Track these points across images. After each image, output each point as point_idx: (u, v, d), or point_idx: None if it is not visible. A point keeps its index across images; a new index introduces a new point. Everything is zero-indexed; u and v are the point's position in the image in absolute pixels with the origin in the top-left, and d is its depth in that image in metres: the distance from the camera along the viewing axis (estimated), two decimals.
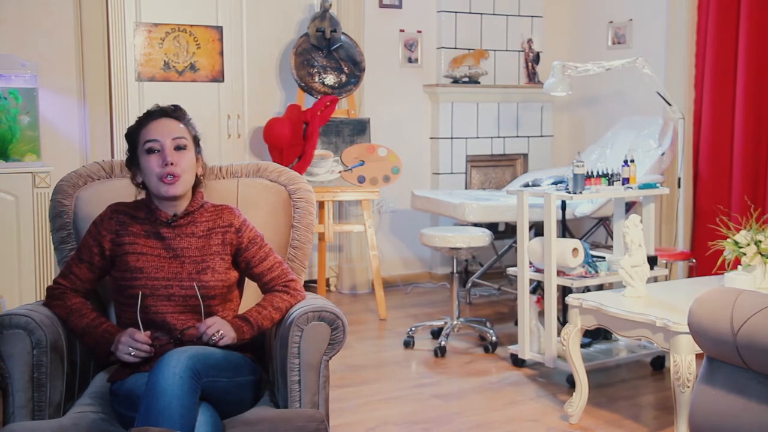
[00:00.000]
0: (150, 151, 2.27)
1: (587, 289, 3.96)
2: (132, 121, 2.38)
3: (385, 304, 4.99)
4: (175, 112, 2.34)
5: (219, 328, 2.20)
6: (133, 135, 2.32)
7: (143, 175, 2.30)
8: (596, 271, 3.79)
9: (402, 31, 5.78)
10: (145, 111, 2.36)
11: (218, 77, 5.12)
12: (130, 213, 2.33)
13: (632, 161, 3.80)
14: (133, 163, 2.34)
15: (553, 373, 3.83)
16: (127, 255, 2.27)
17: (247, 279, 2.44)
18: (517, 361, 3.98)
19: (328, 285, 5.60)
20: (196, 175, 2.35)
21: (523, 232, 3.86)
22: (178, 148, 2.28)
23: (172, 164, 2.25)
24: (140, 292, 2.23)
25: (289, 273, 2.39)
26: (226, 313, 2.33)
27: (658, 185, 3.94)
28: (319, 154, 5.00)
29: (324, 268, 5.22)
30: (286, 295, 2.34)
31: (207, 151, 2.45)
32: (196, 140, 2.36)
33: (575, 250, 3.69)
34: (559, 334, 3.58)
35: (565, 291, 3.90)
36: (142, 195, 2.38)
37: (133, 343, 2.17)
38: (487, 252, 5.46)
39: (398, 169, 5.05)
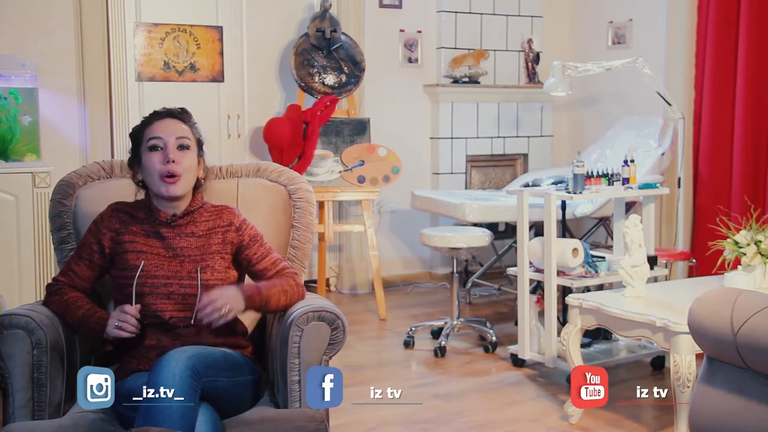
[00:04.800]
0: (153, 148, 2.28)
1: (587, 289, 3.96)
2: (132, 121, 2.40)
3: (385, 304, 4.99)
4: (180, 114, 2.35)
5: (226, 302, 2.16)
6: (137, 134, 2.33)
7: (144, 173, 2.31)
8: (596, 271, 3.78)
9: (402, 31, 5.78)
10: (151, 112, 2.37)
11: (218, 77, 5.12)
12: (131, 212, 2.34)
13: (632, 161, 3.80)
14: (135, 161, 2.35)
15: (553, 373, 3.83)
16: (127, 253, 2.27)
17: (246, 279, 2.45)
18: (517, 361, 3.98)
19: (328, 285, 5.60)
20: (197, 178, 2.35)
21: (523, 232, 3.86)
22: (181, 147, 2.29)
23: (173, 162, 2.26)
24: (142, 262, 2.24)
25: (291, 269, 2.39)
26: None
27: (658, 185, 3.94)
28: (319, 154, 5.00)
29: (324, 268, 5.22)
30: (292, 281, 2.33)
31: (207, 151, 2.45)
32: (199, 143, 2.37)
33: (575, 250, 3.69)
34: (559, 334, 3.58)
35: (565, 291, 3.90)
36: (142, 195, 2.38)
37: (121, 315, 2.17)
38: (487, 252, 5.46)
39: (398, 169, 5.05)
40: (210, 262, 2.29)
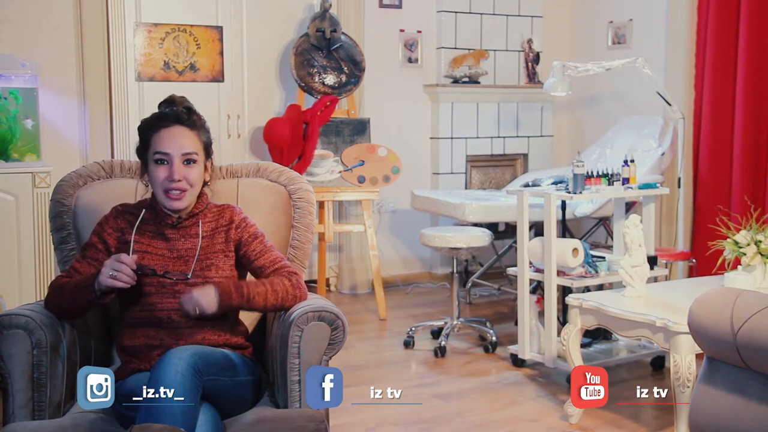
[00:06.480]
0: (159, 161, 2.26)
1: (587, 289, 3.96)
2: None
3: (385, 304, 4.99)
4: (188, 120, 2.31)
5: (197, 305, 2.14)
6: (144, 136, 2.30)
7: (150, 180, 2.30)
8: (596, 271, 3.78)
9: (402, 31, 5.78)
10: (159, 106, 2.33)
11: (218, 77, 5.12)
12: (135, 213, 2.33)
13: (632, 161, 3.80)
14: (141, 159, 2.32)
15: (553, 373, 3.83)
16: (132, 253, 2.26)
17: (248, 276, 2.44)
18: (517, 361, 3.98)
19: (328, 285, 5.60)
20: (203, 181, 2.34)
21: (523, 232, 3.86)
22: (188, 162, 2.27)
23: (178, 180, 2.24)
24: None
25: (292, 267, 2.36)
26: (229, 313, 2.32)
27: (658, 185, 3.94)
28: (319, 154, 5.00)
29: (324, 268, 5.22)
30: (287, 281, 2.28)
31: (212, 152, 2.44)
32: (207, 148, 2.35)
33: (575, 250, 3.69)
34: (559, 334, 3.58)
35: (565, 291, 3.90)
36: (149, 193, 2.37)
37: (116, 264, 2.11)
38: (487, 252, 5.46)
39: (398, 169, 5.05)
40: (214, 260, 2.29)
